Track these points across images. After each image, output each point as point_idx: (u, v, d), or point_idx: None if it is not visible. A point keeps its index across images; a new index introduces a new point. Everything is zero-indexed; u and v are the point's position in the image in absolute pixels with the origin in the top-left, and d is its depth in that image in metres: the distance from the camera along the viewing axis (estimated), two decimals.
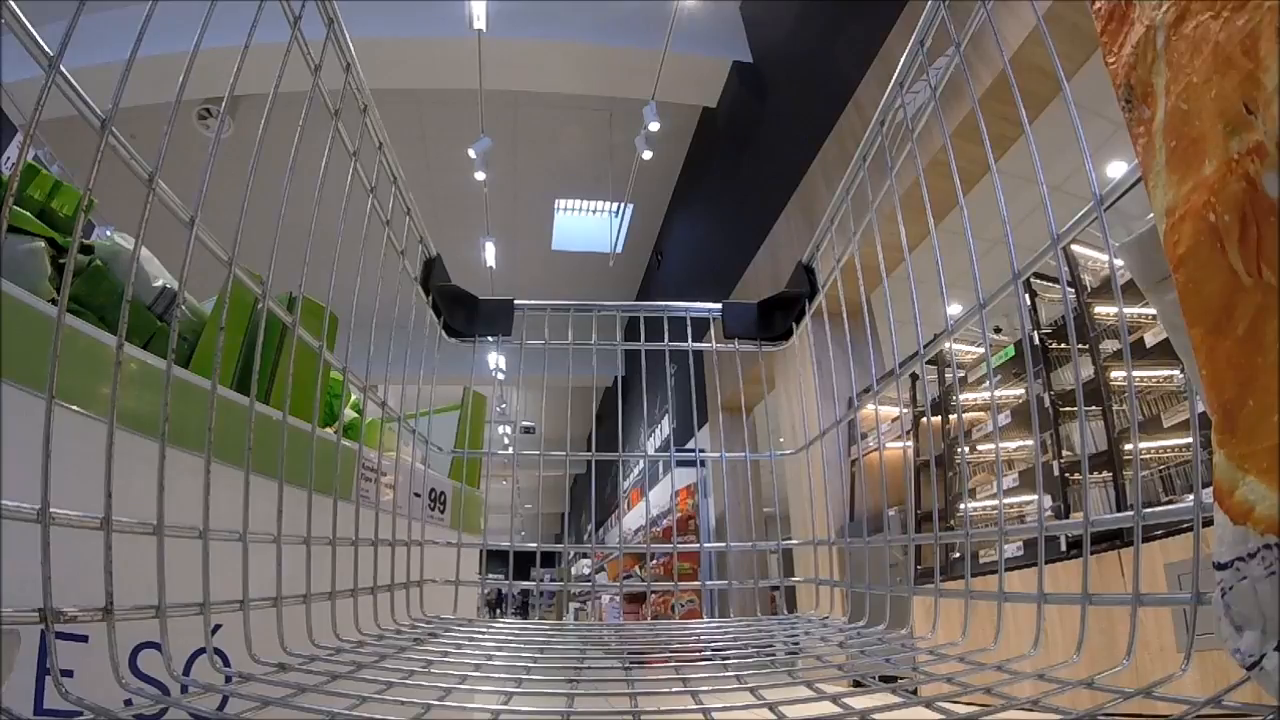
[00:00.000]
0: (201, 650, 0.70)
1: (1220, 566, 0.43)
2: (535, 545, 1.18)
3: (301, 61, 0.73)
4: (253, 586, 0.63)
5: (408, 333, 1.10)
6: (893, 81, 0.92)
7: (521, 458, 1.29)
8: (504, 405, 12.64)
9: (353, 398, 1.59)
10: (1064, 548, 4.09)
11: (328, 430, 1.23)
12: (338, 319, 1.06)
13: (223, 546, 0.60)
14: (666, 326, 1.27)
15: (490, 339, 1.21)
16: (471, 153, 9.12)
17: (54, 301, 0.92)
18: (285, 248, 0.74)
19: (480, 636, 0.90)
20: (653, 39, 9.20)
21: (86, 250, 1.07)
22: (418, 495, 1.35)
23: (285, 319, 0.69)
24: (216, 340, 0.65)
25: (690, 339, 1.27)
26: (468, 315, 1.21)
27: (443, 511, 1.59)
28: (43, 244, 0.99)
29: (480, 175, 9.68)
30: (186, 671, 0.79)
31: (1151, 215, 0.47)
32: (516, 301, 1.24)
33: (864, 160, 1.07)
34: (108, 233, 1.13)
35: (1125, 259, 0.53)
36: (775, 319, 1.29)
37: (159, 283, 1.16)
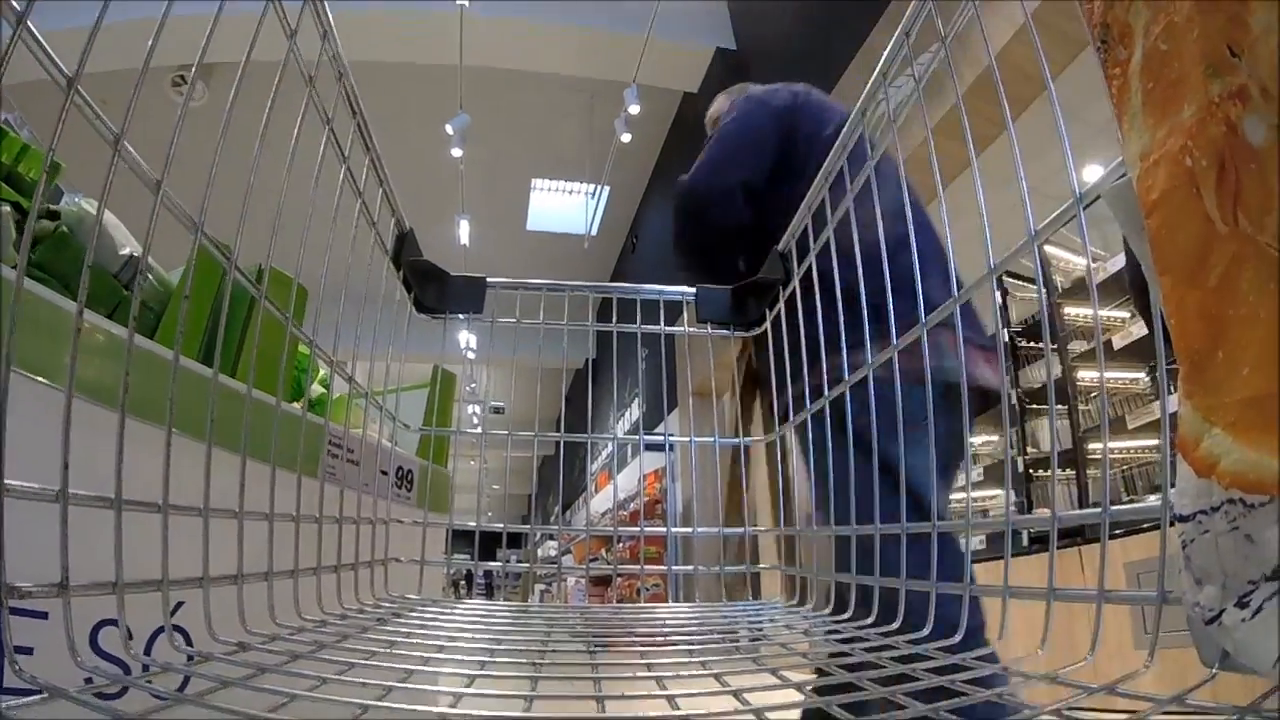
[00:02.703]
0: (162, 629, 0.69)
1: (1182, 519, 0.43)
2: (501, 526, 1.18)
3: (279, 29, 0.71)
4: (214, 564, 0.62)
5: (377, 308, 1.08)
6: (875, 72, 0.91)
7: (490, 438, 1.28)
8: (474, 385, 12.58)
9: (320, 373, 1.56)
10: (1026, 543, 4.16)
11: (294, 405, 1.21)
12: (306, 292, 1.04)
13: (184, 522, 0.59)
14: (639, 309, 1.27)
15: (461, 316, 1.20)
16: (449, 129, 9.02)
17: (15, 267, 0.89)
18: (255, 218, 0.73)
19: (444, 617, 0.89)
20: (636, 23, 9.13)
21: (52, 216, 1.04)
22: (385, 473, 1.33)
23: (252, 289, 0.68)
24: (180, 309, 0.63)
25: (663, 323, 1.26)
26: (439, 292, 1.20)
27: (409, 490, 1.58)
28: (8, 209, 0.96)
29: (457, 152, 9.58)
30: (148, 650, 0.78)
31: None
32: (489, 280, 1.23)
33: (844, 149, 1.06)
34: (76, 199, 1.10)
35: (1111, 207, 0.53)
36: (749, 305, 1.29)
37: (125, 250, 1.12)
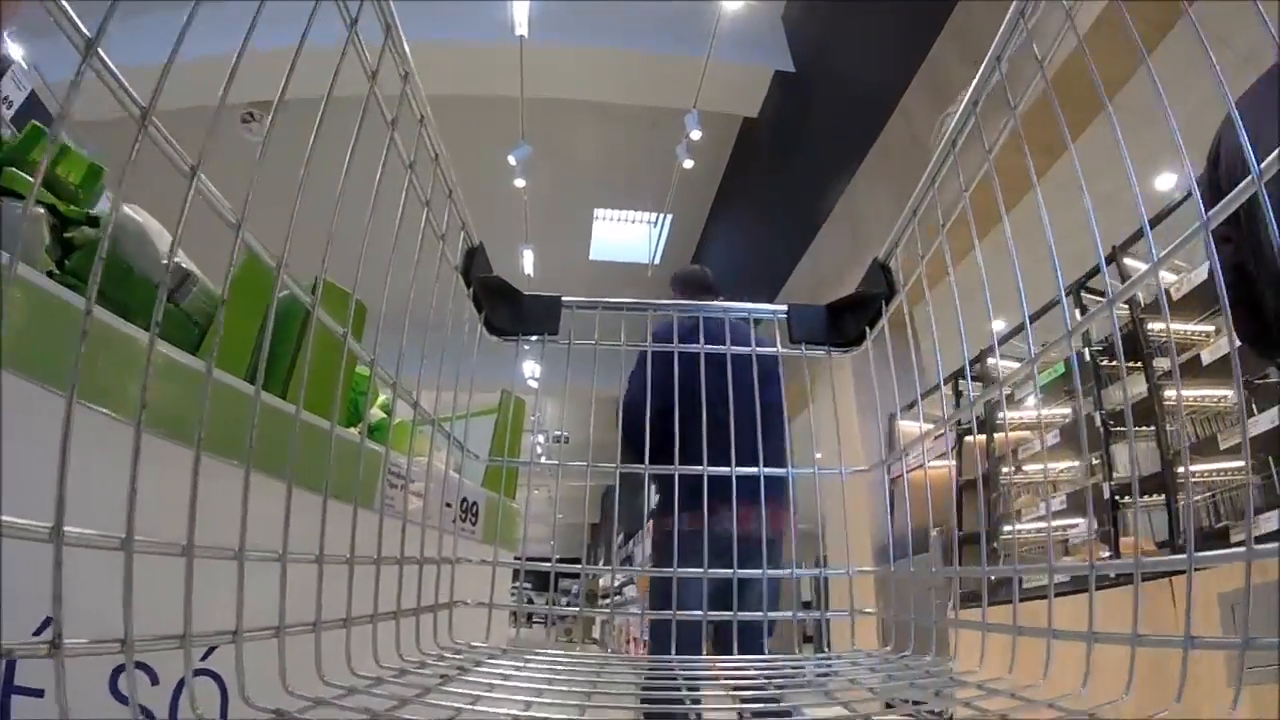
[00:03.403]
0: (198, 676, 0.60)
1: None
2: (580, 565, 1.07)
3: (343, 59, 0.65)
4: (248, 612, 0.53)
5: (444, 329, 1.00)
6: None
7: (554, 469, 1.18)
8: (536, 415, 12.56)
9: (380, 398, 1.49)
10: (1113, 575, 3.88)
11: (350, 430, 1.13)
12: (365, 307, 0.96)
13: (205, 562, 0.50)
14: (728, 329, 1.16)
15: (535, 338, 1.11)
16: (511, 159, 9.09)
17: (52, 275, 0.83)
18: (308, 227, 0.65)
19: (522, 669, 0.79)
20: (694, 46, 9.11)
21: (92, 222, 0.98)
22: (449, 505, 1.23)
23: (304, 299, 0.59)
24: (218, 319, 0.55)
25: (753, 344, 1.16)
26: (512, 312, 1.11)
27: (474, 523, 1.48)
28: (43, 211, 0.90)
29: (520, 182, 9.65)
30: (174, 705, 0.69)
31: None
32: (564, 299, 1.14)
33: (953, 145, 0.97)
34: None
35: None
36: (846, 322, 1.17)
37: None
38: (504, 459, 1.11)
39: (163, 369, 0.83)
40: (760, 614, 1.14)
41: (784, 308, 1.18)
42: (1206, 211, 0.53)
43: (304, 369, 0.69)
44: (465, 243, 1.02)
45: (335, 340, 0.66)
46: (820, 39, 9.34)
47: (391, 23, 0.71)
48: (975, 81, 0.87)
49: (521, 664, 0.80)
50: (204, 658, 0.50)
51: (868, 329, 1.15)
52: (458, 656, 0.81)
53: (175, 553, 0.45)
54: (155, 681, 0.44)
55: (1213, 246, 0.56)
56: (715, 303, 1.15)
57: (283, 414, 0.84)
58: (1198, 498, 4.05)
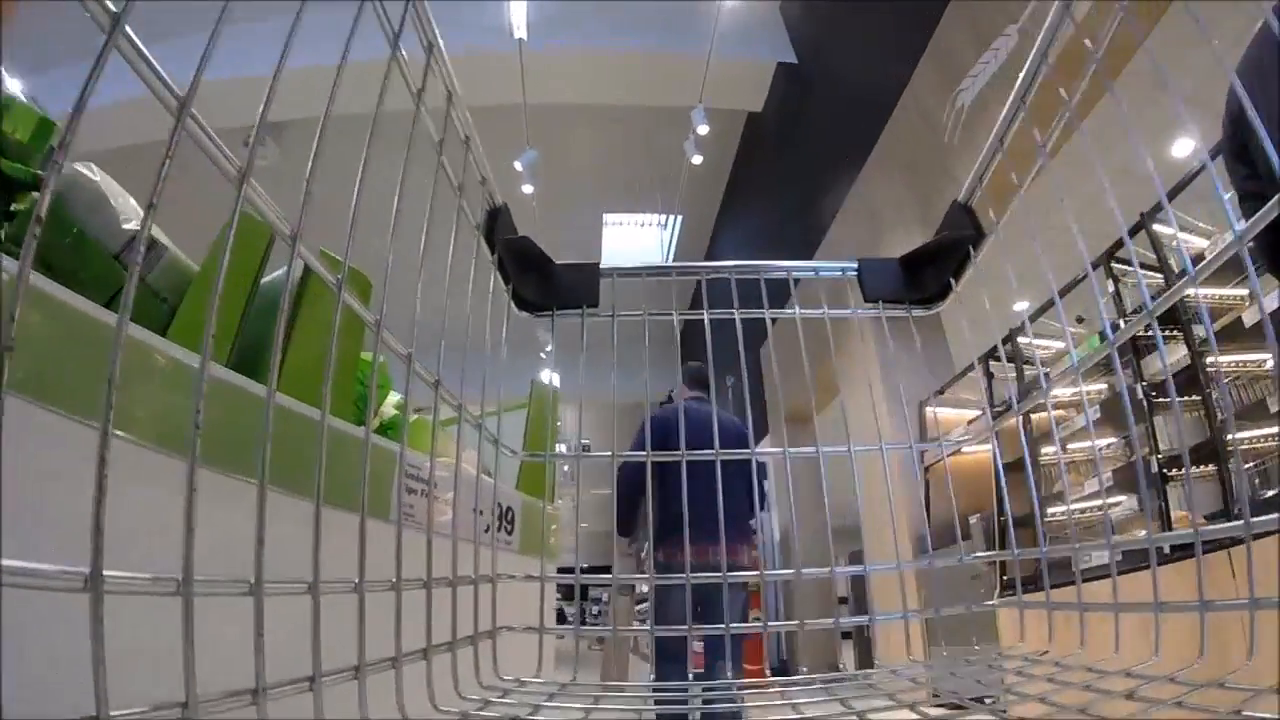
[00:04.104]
0: None
1: None
2: (638, 578, 0.90)
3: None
4: (218, 655, 0.37)
5: (464, 303, 0.84)
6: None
7: (583, 466, 1.02)
8: (559, 422, 12.37)
9: (393, 397, 1.32)
10: (1168, 549, 3.68)
11: (359, 428, 0.96)
12: (370, 282, 0.81)
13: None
14: (794, 289, 0.99)
15: (573, 311, 0.95)
16: (518, 165, 8.97)
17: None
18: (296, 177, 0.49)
19: (593, 712, 0.63)
20: (695, 43, 8.97)
21: (36, 183, 0.82)
22: (481, 513, 1.04)
23: (329, 279, 0.44)
24: (215, 288, 0.40)
25: (826, 306, 0.99)
26: (542, 282, 0.95)
27: (510, 533, 1.30)
28: None
29: (528, 189, 9.52)
30: None
31: None
32: (604, 267, 0.98)
33: (1022, 101, 0.84)
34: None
35: None
36: (926, 275, 1.01)
37: (131, 224, 0.90)
38: (545, 454, 0.93)
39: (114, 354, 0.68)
40: (782, 623, 0.98)
41: (854, 263, 1.02)
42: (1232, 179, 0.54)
43: (302, 359, 0.53)
44: (487, 201, 0.86)
45: (351, 326, 0.50)
46: (820, 28, 9.19)
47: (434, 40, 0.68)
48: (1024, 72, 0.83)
49: (592, 703, 0.64)
50: None
51: (952, 280, 0.99)
52: (509, 700, 0.65)
53: (242, 591, 0.30)
54: None
55: (1249, 261, 0.59)
56: (790, 262, 0.99)
57: (283, 408, 0.68)
58: (1247, 465, 3.86)
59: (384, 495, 0.74)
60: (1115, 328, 4.49)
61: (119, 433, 0.61)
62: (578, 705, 0.66)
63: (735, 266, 1.00)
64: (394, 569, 0.57)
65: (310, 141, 0.51)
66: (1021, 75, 0.86)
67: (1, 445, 0.26)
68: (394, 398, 1.33)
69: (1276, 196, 0.51)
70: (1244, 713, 0.49)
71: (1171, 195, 3.93)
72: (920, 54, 6.74)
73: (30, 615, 0.41)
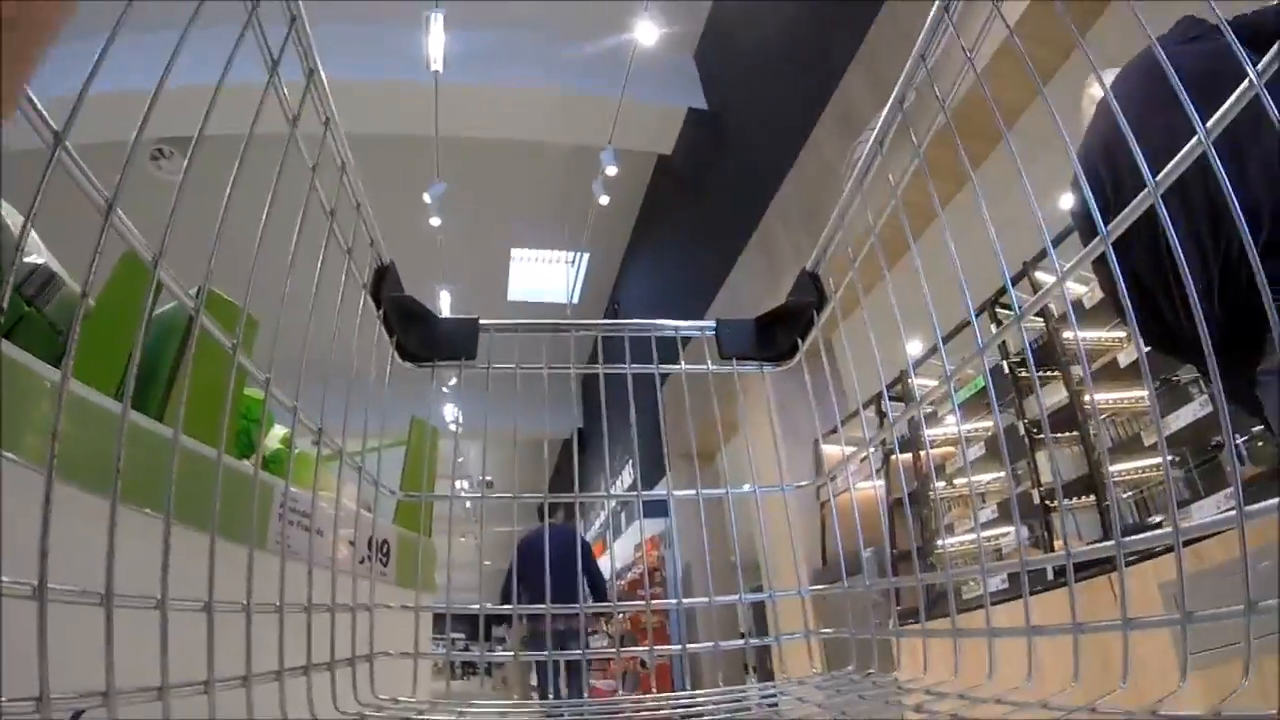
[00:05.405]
0: None
1: None
2: (510, 607, 0.98)
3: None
4: (130, 665, 0.44)
5: (351, 354, 0.92)
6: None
7: (474, 511, 1.11)
8: (461, 459, 12.26)
9: (277, 429, 1.37)
10: (1050, 576, 3.94)
11: (244, 461, 1.03)
12: (257, 323, 0.87)
13: (80, 611, 0.42)
14: (655, 347, 1.11)
15: (452, 363, 1.04)
16: (426, 197, 8.96)
17: None
18: (197, 233, 0.58)
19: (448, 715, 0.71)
20: (609, 85, 9.18)
21: None
22: (352, 544, 1.11)
23: (187, 301, 0.52)
24: (78, 312, 0.47)
25: (682, 362, 1.11)
26: (425, 336, 1.04)
27: (385, 564, 1.37)
28: None
29: (435, 221, 9.51)
30: None
31: None
32: (482, 320, 1.08)
33: (880, 146, 0.97)
34: None
35: None
36: (777, 335, 1.13)
37: (32, 258, 0.94)
38: (421, 494, 1.01)
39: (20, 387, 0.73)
40: (712, 644, 1.08)
41: (711, 324, 1.14)
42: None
43: (184, 385, 0.61)
44: (374, 261, 0.95)
45: (223, 356, 0.58)
46: (731, 76, 9.53)
47: (314, 66, 0.70)
48: (884, 114, 0.90)
49: (458, 716, 0.72)
50: None
51: (799, 340, 1.12)
52: (381, 715, 0.73)
53: (151, 606, 0.37)
54: None
55: (1114, 258, 0.60)
56: (651, 321, 1.10)
57: (160, 439, 0.75)
58: (1125, 494, 4.19)
59: (265, 526, 0.80)
60: (999, 369, 4.79)
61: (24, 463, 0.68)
62: (450, 716, 0.74)
63: (600, 325, 1.11)
64: (277, 593, 0.64)
65: (217, 158, 0.57)
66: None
67: None
68: (278, 430, 1.39)
69: (1141, 194, 0.55)
70: None
71: (1058, 240, 4.27)
72: (822, 107, 7.07)
73: None
